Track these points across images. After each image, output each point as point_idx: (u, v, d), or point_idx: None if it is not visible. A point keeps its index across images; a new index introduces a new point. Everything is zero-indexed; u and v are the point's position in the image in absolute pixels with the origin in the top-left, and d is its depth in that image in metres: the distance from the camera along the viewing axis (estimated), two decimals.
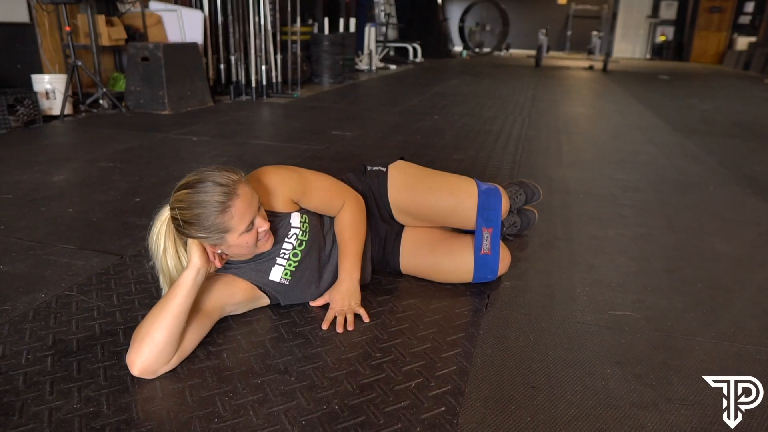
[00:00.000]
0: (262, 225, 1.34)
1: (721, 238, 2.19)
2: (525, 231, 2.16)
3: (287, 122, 4.80)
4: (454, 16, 16.74)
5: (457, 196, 1.65)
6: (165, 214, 1.38)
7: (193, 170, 1.33)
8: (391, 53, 12.01)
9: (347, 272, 1.56)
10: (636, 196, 2.70)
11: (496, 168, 3.13)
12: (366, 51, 9.29)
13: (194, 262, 1.28)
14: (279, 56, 6.12)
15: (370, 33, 9.24)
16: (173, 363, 1.28)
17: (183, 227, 1.27)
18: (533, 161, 3.34)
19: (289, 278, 1.52)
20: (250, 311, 1.55)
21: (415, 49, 11.68)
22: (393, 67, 10.10)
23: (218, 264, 1.35)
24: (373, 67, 9.24)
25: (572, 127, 4.58)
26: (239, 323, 1.51)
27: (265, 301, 1.53)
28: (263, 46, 5.82)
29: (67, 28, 4.55)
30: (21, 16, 4.68)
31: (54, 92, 4.49)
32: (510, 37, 16.13)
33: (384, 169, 1.73)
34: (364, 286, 1.70)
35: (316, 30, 7.45)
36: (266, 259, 1.48)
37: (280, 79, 6.18)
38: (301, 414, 1.15)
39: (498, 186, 1.73)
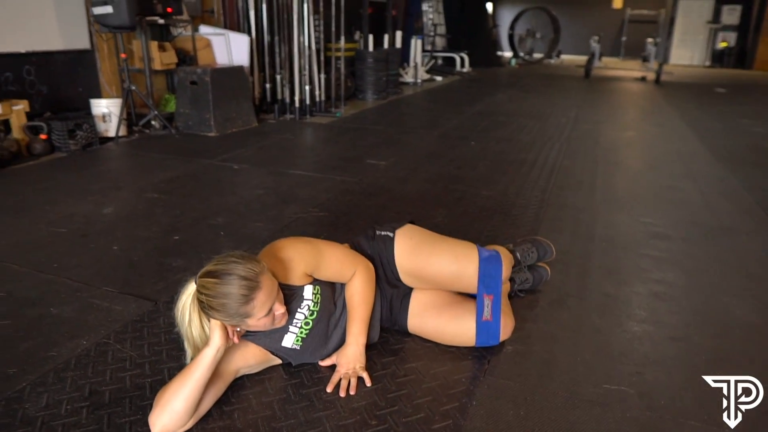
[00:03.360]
0: (279, 309, 1.47)
1: (740, 299, 2.18)
2: (537, 287, 2.21)
3: (326, 147, 4.96)
4: (504, 23, 16.60)
5: (460, 262, 1.74)
6: (191, 287, 1.50)
7: (219, 256, 1.44)
8: (439, 62, 12.05)
9: (354, 337, 1.67)
10: (660, 245, 2.69)
11: (522, 207, 3.17)
12: (412, 63, 9.37)
13: (215, 342, 1.42)
14: (323, 75, 6.29)
15: (416, 45, 9.31)
16: (189, 425, 1.43)
17: (207, 310, 1.41)
18: (563, 199, 3.35)
19: (300, 344, 1.64)
20: (266, 369, 1.69)
21: (462, 59, 11.67)
22: (439, 78, 10.14)
23: (236, 340, 1.49)
24: (419, 80, 9.32)
25: (610, 156, 4.54)
26: (253, 381, 1.65)
27: (278, 361, 1.67)
28: (307, 65, 5.99)
29: (123, 55, 4.86)
30: (83, 43, 5.02)
31: (110, 115, 4.80)
32: (561, 42, 15.85)
33: (392, 234, 1.83)
34: (372, 346, 1.81)
35: (362, 45, 7.58)
36: (280, 329, 1.61)
37: (323, 97, 6.35)
38: None
39: (499, 251, 1.81)
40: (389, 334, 1.89)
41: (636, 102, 8.22)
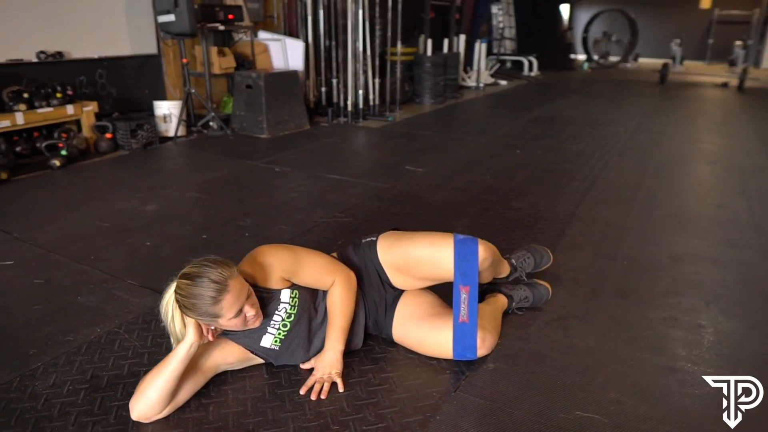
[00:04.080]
0: (250, 311, 1.56)
1: (763, 334, 2.05)
2: (538, 305, 2.18)
3: (369, 151, 5.05)
4: (579, 25, 16.06)
5: (434, 247, 1.77)
6: (173, 286, 1.63)
7: (197, 259, 1.55)
8: (508, 65, 11.87)
9: (332, 343, 1.74)
10: (685, 269, 2.56)
11: (548, 221, 3.11)
12: (475, 67, 9.30)
13: (189, 338, 1.53)
14: (377, 80, 6.38)
15: (480, 49, 9.23)
16: (166, 412, 1.55)
17: (182, 308, 1.52)
18: (595, 213, 3.26)
19: (279, 345, 1.73)
20: (250, 367, 1.79)
21: (530, 63, 11.43)
22: (503, 83, 10.00)
23: (211, 338, 1.59)
24: (481, 84, 9.24)
25: (662, 169, 4.33)
26: (235, 378, 1.75)
27: (259, 360, 1.76)
28: (361, 70, 6.11)
29: (184, 60, 5.17)
30: (150, 48, 5.39)
31: (170, 116, 5.13)
32: (640, 45, 15.14)
33: (375, 239, 1.90)
34: (354, 352, 1.87)
35: (425, 50, 7.60)
36: (259, 329, 1.70)
37: (377, 101, 6.45)
38: None
39: (477, 239, 1.81)
40: (375, 343, 1.94)
41: (709, 110, 7.75)
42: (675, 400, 1.65)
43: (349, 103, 6.12)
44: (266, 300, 1.69)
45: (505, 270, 2.10)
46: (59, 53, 4.60)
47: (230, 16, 5.52)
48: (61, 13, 4.59)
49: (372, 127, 6.01)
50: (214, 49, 5.47)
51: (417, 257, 1.80)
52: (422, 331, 1.82)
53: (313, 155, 4.69)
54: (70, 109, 4.43)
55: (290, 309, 1.72)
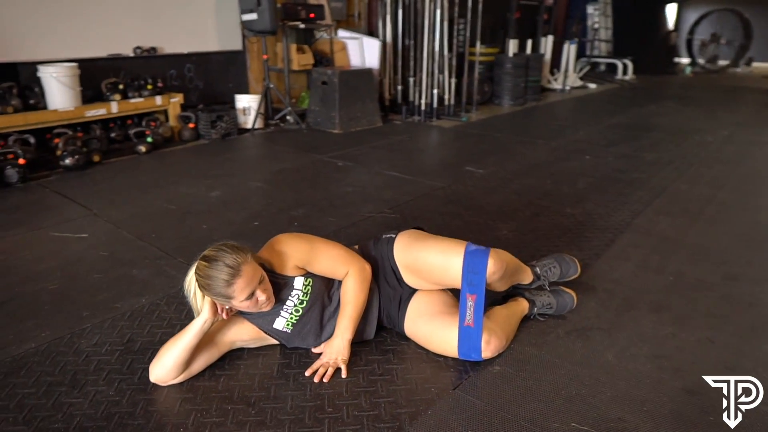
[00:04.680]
0: (261, 295, 1.67)
1: None
2: (561, 313, 2.13)
3: (434, 151, 5.07)
4: (684, 26, 15.02)
5: (445, 254, 1.79)
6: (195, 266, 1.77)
7: (216, 243, 1.68)
8: (602, 68, 11.38)
9: (341, 331, 1.82)
10: (739, 290, 2.39)
11: (600, 230, 3.01)
12: (562, 69, 9.02)
13: (203, 314, 1.67)
14: (453, 79, 6.38)
15: (568, 50, 8.94)
16: (180, 379, 1.70)
17: (200, 287, 1.66)
18: (653, 225, 3.10)
19: (291, 328, 1.83)
20: (265, 346, 1.91)
21: (624, 66, 10.89)
22: (592, 86, 9.61)
23: (225, 316, 1.72)
24: (567, 87, 8.94)
25: (743, 185, 4.01)
26: (250, 354, 1.88)
27: (272, 340, 1.87)
28: (436, 69, 6.14)
29: (264, 57, 5.44)
30: (236, 45, 5.73)
31: (249, 109, 5.43)
32: (754, 49, 13.92)
33: (393, 236, 1.95)
34: (366, 342, 1.94)
35: (510, 50, 7.48)
36: (272, 311, 1.81)
37: (453, 101, 6.44)
38: None
39: (497, 251, 1.81)
40: (388, 335, 2.00)
41: None
42: (687, 424, 1.57)
43: (423, 102, 6.16)
44: (280, 286, 1.80)
45: (526, 278, 2.08)
46: (153, 48, 5.01)
47: (311, 15, 5.73)
48: (156, 12, 5.00)
49: (444, 126, 6.02)
50: (293, 47, 5.72)
51: (428, 263, 1.84)
52: (431, 327, 1.85)
53: (377, 152, 4.79)
54: (158, 99, 4.82)
55: (302, 296, 1.81)
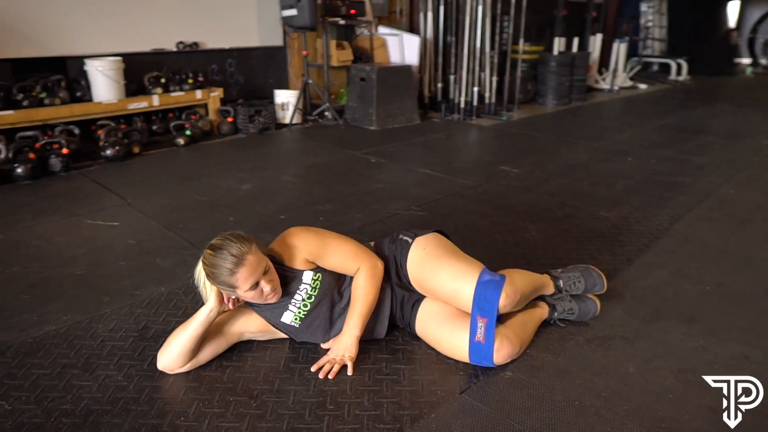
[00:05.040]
0: (266, 286, 1.66)
1: None
2: (583, 320, 2.04)
3: (470, 149, 4.99)
4: (746, 24, 14.25)
5: (457, 282, 1.73)
6: None
7: (224, 233, 1.68)
8: (654, 68, 10.96)
9: (349, 328, 1.79)
10: None
11: (635, 234, 2.87)
12: (611, 68, 8.72)
13: (209, 303, 1.68)
14: (495, 77, 6.26)
15: (618, 49, 8.63)
16: (187, 368, 1.71)
17: (207, 276, 1.67)
18: (694, 231, 2.94)
19: (299, 322, 1.81)
20: (275, 339, 1.90)
21: (679, 66, 10.44)
22: (643, 86, 9.25)
23: (231, 306, 1.72)
24: (615, 87, 8.64)
25: None
26: (260, 347, 1.87)
27: (281, 334, 1.86)
28: (477, 67, 6.03)
29: (304, 52, 5.48)
30: (277, 40, 5.79)
31: (288, 104, 5.47)
32: None
33: (410, 240, 1.89)
34: (377, 340, 1.90)
35: (558, 48, 7.28)
36: (280, 305, 1.80)
37: (494, 100, 6.32)
38: None
39: (506, 277, 1.74)
40: (401, 334, 1.96)
41: None
42: None
43: (463, 99, 6.06)
44: (289, 279, 1.78)
45: (546, 292, 1.99)
46: (195, 44, 5.12)
47: (352, 11, 5.74)
48: (199, 8, 5.10)
49: (484, 125, 5.92)
50: (333, 43, 5.73)
51: (438, 286, 1.79)
52: (442, 331, 1.79)
53: (412, 149, 4.74)
54: (198, 93, 4.92)
55: (311, 290, 1.79)
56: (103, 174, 3.83)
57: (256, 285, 1.64)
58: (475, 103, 6.15)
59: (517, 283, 1.75)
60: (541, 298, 2.02)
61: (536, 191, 3.58)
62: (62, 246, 2.66)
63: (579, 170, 4.08)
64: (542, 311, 1.98)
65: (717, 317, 2.11)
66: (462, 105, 6.09)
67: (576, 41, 7.53)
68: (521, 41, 6.40)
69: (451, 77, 6.31)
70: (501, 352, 1.71)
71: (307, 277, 1.79)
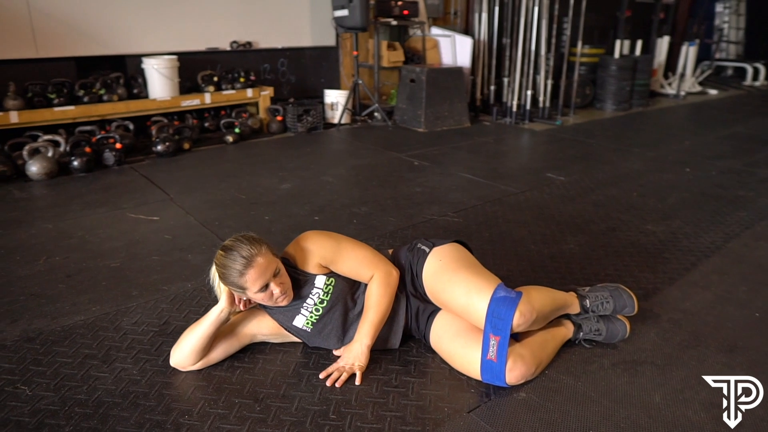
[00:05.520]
0: (276, 288, 1.66)
1: None
2: (611, 342, 1.92)
3: (518, 154, 4.85)
4: None
5: (471, 296, 1.67)
6: None
7: (236, 234, 1.70)
8: (729, 72, 10.35)
9: (360, 336, 1.76)
10: None
11: (682, 251, 2.70)
12: (678, 72, 8.29)
13: (220, 304, 1.70)
14: (550, 81, 6.07)
15: (687, 52, 8.19)
16: (199, 366, 1.74)
17: (218, 276, 1.68)
18: (750, 251, 2.73)
19: (311, 327, 1.80)
20: (288, 343, 1.90)
21: (755, 70, 9.80)
22: (713, 92, 8.74)
23: (242, 307, 1.73)
24: (682, 93, 8.20)
25: None
26: (272, 350, 1.88)
27: (293, 338, 1.86)
28: (531, 69, 5.87)
29: (355, 53, 5.49)
30: (329, 40, 5.84)
31: (337, 104, 5.50)
32: None
33: (428, 250, 1.84)
34: (390, 350, 1.87)
35: (620, 52, 6.99)
36: (293, 308, 1.79)
37: (548, 104, 6.14)
38: None
39: (523, 294, 1.66)
40: (416, 345, 1.91)
41: None
42: None
43: (515, 103, 5.91)
44: (301, 282, 1.77)
45: (571, 311, 1.89)
46: (249, 43, 5.23)
47: (405, 12, 5.70)
48: (254, 8, 5.21)
49: (535, 129, 5.75)
50: (384, 43, 5.72)
51: (451, 301, 1.73)
52: (455, 346, 1.74)
53: (458, 153, 4.66)
54: (249, 92, 5.03)
55: (323, 295, 1.78)
56: (152, 169, 3.97)
57: (266, 287, 1.64)
58: (528, 106, 5.98)
59: (534, 301, 1.67)
60: (567, 316, 1.93)
61: (581, 201, 3.43)
62: (103, 238, 2.77)
63: (630, 180, 3.89)
64: (566, 331, 1.89)
65: (762, 348, 1.94)
66: (514, 108, 5.94)
67: (639, 44, 7.18)
68: (579, 43, 6.17)
69: (505, 80, 6.17)
70: (514, 373, 1.64)
71: (320, 281, 1.78)
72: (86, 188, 3.54)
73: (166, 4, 4.69)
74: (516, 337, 1.72)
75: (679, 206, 3.36)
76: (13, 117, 3.86)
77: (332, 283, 1.79)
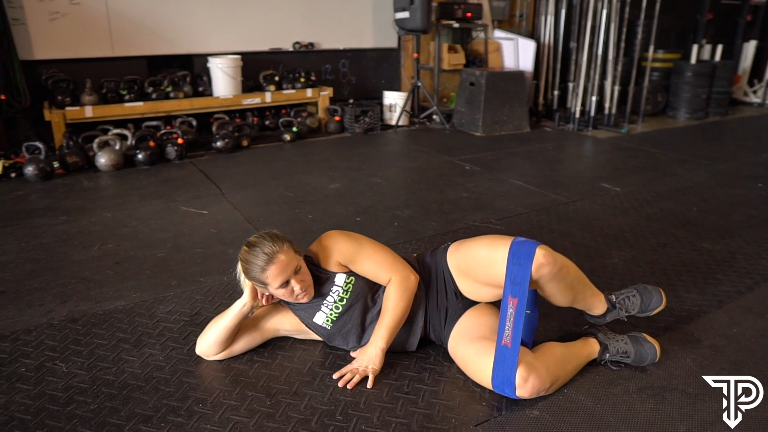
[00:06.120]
0: (296, 285, 1.70)
1: None
2: (640, 365, 1.83)
3: (574, 163, 4.69)
4: None
5: (492, 247, 1.66)
6: None
7: (262, 231, 1.76)
8: None
9: (375, 339, 1.77)
10: None
11: (739, 273, 2.52)
12: (765, 80, 7.73)
13: (243, 298, 1.76)
14: (617, 87, 5.83)
15: None
16: (222, 356, 1.81)
17: (242, 271, 1.75)
18: None
19: (331, 325, 1.83)
20: (310, 341, 1.94)
21: None
22: None
23: (264, 302, 1.79)
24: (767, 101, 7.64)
25: None
26: (293, 347, 1.92)
27: (314, 335, 1.89)
28: (597, 75, 5.66)
29: (415, 55, 5.49)
30: (391, 42, 5.87)
31: (395, 106, 5.53)
32: None
33: (449, 243, 1.86)
34: (408, 354, 1.87)
35: (697, 57, 6.62)
36: (313, 305, 1.83)
37: (614, 111, 5.89)
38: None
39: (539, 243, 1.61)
40: (435, 352, 1.90)
41: None
42: None
43: (577, 110, 5.72)
44: (322, 280, 1.81)
45: (597, 305, 1.82)
46: (311, 44, 5.35)
47: (468, 14, 5.65)
48: (317, 10, 5.33)
49: (599, 137, 5.54)
50: (445, 46, 5.69)
51: (475, 258, 1.72)
52: (469, 352, 1.71)
53: (512, 158, 4.57)
54: (309, 92, 5.15)
55: (342, 294, 1.80)
56: (210, 164, 4.14)
57: (287, 283, 1.69)
58: (592, 113, 5.77)
59: (556, 254, 1.62)
60: (593, 334, 1.86)
61: (634, 214, 3.28)
62: (154, 228, 2.92)
63: (692, 194, 3.67)
64: (590, 349, 1.81)
65: None
66: (577, 115, 5.74)
67: (719, 48, 6.75)
68: (651, 48, 5.88)
69: (570, 85, 5.98)
70: (527, 385, 1.59)
71: (340, 279, 1.81)
72: (147, 180, 3.75)
73: (232, 6, 4.89)
74: (528, 345, 1.68)
75: (742, 224, 3.14)
76: (88, 111, 4.15)
77: (352, 282, 1.81)
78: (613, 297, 1.83)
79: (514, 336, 1.58)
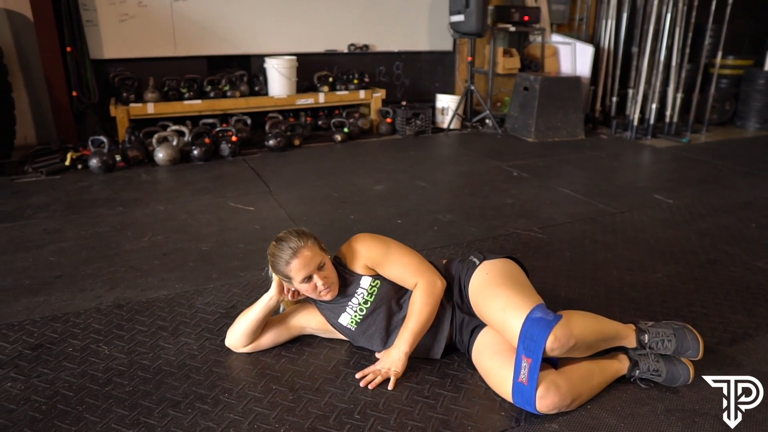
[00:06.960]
0: (319, 281, 1.75)
1: None
2: (672, 385, 1.76)
3: (627, 172, 4.54)
4: None
5: (506, 313, 1.63)
6: None
7: (291, 228, 1.82)
8: None
9: (399, 343, 1.79)
10: None
11: None
12: None
13: (270, 291, 1.83)
14: (680, 94, 5.59)
15: None
16: (249, 349, 1.88)
17: (270, 264, 1.81)
18: None
19: (355, 326, 1.87)
20: (336, 340, 1.98)
21: None
22: None
23: (290, 297, 1.84)
24: None
25: None
26: (320, 345, 1.97)
27: (340, 335, 1.93)
28: (657, 81, 5.45)
29: (469, 59, 5.47)
30: (446, 45, 5.87)
31: (448, 109, 5.52)
32: None
33: (477, 262, 1.83)
34: (432, 360, 1.88)
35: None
36: (339, 305, 1.87)
37: (676, 119, 5.66)
38: (262, 423, 1.57)
39: (562, 317, 1.58)
40: (460, 359, 1.90)
41: None
42: None
43: (635, 117, 5.53)
44: (348, 281, 1.85)
45: (627, 344, 1.76)
46: (366, 46, 5.42)
47: (525, 18, 5.57)
48: (372, 13, 5.39)
49: (657, 146, 5.33)
50: (500, 49, 5.63)
51: (489, 314, 1.70)
52: (492, 364, 1.71)
53: (562, 166, 4.48)
54: (361, 93, 5.22)
55: (367, 296, 1.83)
56: (261, 162, 4.28)
57: (310, 278, 1.73)
58: (652, 121, 5.55)
59: (574, 327, 1.59)
60: (624, 350, 1.80)
61: (685, 228, 3.15)
62: (202, 222, 3.05)
63: (752, 209, 3.48)
64: (619, 365, 1.76)
65: None
66: (635, 122, 5.54)
67: None
68: (719, 54, 5.60)
69: (629, 91, 5.78)
70: (546, 400, 1.57)
71: (365, 282, 1.84)
72: (200, 176, 3.91)
73: (289, 8, 5.02)
74: (555, 363, 1.65)
75: None
76: (150, 108, 4.37)
77: (377, 285, 1.84)
78: (646, 337, 1.75)
79: (531, 378, 1.56)
